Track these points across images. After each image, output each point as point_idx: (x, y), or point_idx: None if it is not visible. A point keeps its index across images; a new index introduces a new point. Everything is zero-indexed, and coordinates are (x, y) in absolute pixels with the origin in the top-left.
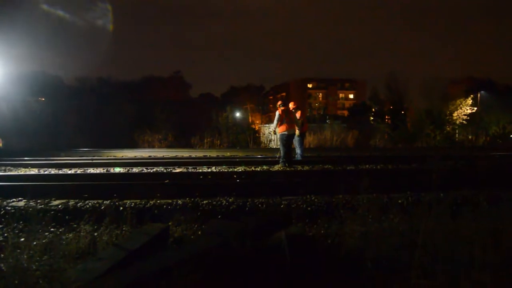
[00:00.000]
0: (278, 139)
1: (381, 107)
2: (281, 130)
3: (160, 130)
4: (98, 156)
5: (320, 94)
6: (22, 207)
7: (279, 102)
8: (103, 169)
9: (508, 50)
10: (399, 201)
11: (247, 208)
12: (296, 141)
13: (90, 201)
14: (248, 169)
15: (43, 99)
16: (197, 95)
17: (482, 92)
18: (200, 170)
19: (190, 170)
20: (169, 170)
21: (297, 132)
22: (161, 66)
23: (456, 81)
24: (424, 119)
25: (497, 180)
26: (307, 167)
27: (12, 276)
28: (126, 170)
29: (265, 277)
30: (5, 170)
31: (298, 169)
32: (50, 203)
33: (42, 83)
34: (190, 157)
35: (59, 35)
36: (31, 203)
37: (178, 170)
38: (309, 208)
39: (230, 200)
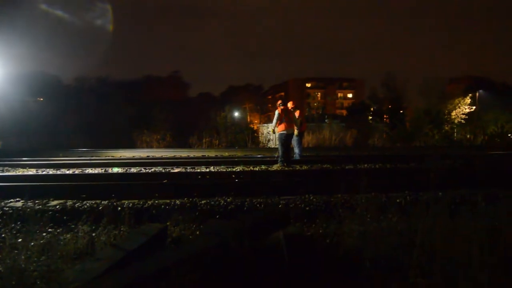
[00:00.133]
0: (276, 139)
1: (380, 106)
2: (280, 129)
3: (159, 130)
4: (96, 156)
5: (319, 93)
6: (20, 208)
7: (279, 101)
8: (101, 169)
9: (506, 49)
10: (398, 201)
11: (245, 208)
12: (294, 141)
13: (88, 201)
14: (247, 168)
15: (42, 99)
16: (195, 94)
17: (480, 91)
18: (199, 170)
19: (188, 170)
20: (168, 170)
21: (295, 131)
22: (159, 66)
23: (454, 80)
24: (422, 118)
25: (495, 179)
26: (305, 167)
27: (10, 277)
28: (124, 170)
29: (263, 277)
30: (3, 171)
31: (297, 168)
32: (48, 203)
33: (40, 83)
34: (188, 157)
35: (58, 35)
36: (29, 203)
37: (176, 170)
38: (307, 208)
39: (228, 200)
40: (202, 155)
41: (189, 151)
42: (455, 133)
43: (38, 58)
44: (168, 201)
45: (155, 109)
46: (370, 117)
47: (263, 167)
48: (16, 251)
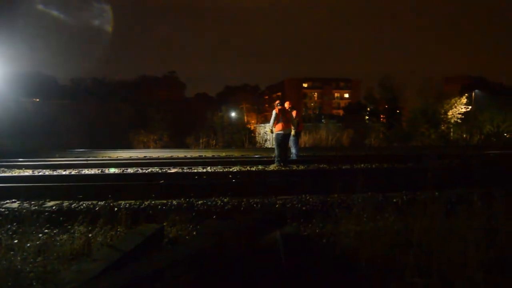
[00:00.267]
0: (273, 139)
1: (376, 106)
2: (277, 129)
3: (156, 131)
4: (92, 157)
5: (316, 93)
6: (15, 209)
7: (277, 101)
8: (98, 169)
9: (502, 49)
10: (394, 200)
11: (242, 208)
12: (291, 141)
13: (85, 202)
14: (244, 169)
15: (38, 99)
16: (192, 95)
17: (476, 91)
18: (195, 170)
19: (185, 171)
20: (164, 170)
21: (292, 131)
22: (155, 66)
23: (451, 80)
24: (419, 118)
25: (491, 179)
26: (302, 167)
27: (6, 278)
28: (121, 170)
29: (260, 277)
30: None
31: (294, 168)
32: (44, 204)
33: (36, 83)
34: (185, 157)
35: (54, 35)
36: (25, 204)
37: (173, 170)
38: (304, 208)
39: (225, 200)
40: (199, 156)
41: (186, 151)
42: (452, 133)
43: (34, 58)
44: (164, 201)
45: (152, 109)
46: (367, 117)
47: (260, 167)
48: (12, 252)
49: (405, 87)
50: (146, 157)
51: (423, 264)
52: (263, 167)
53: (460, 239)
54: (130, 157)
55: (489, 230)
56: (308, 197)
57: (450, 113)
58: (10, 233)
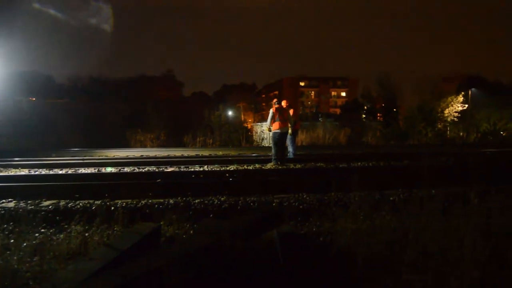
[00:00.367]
0: (270, 137)
1: (373, 104)
2: (274, 128)
3: (153, 129)
4: (89, 156)
5: (313, 92)
6: (12, 208)
7: (274, 100)
8: (95, 169)
9: (499, 47)
10: (391, 198)
11: (239, 207)
12: (288, 139)
13: (81, 201)
14: (241, 167)
15: (34, 98)
16: (189, 93)
17: (473, 89)
18: (192, 169)
19: (182, 169)
20: (161, 169)
21: (289, 130)
22: (153, 65)
23: (447, 79)
24: (415, 116)
25: (488, 177)
26: (299, 165)
27: (2, 277)
28: (118, 169)
29: (257, 275)
30: None
31: (290, 167)
32: (40, 203)
33: (33, 82)
34: (182, 156)
35: (51, 34)
36: (21, 204)
37: (170, 169)
38: (301, 206)
39: (222, 199)
40: (196, 154)
41: (183, 150)
42: (448, 131)
43: (31, 57)
44: (161, 200)
45: (149, 108)
46: (364, 116)
47: (257, 166)
48: (8, 252)
49: (402, 86)
50: (143, 156)
51: (419, 262)
52: (260, 166)
53: (457, 237)
54: (127, 156)
55: (486, 227)
56: (305, 196)
57: (446, 111)
58: (7, 232)
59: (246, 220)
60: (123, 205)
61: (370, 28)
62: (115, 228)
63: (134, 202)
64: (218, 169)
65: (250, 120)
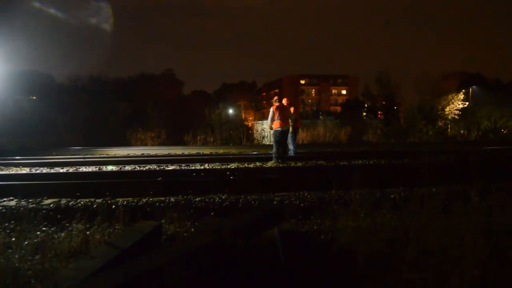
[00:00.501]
0: (271, 135)
1: (374, 102)
2: (275, 126)
3: (153, 128)
4: (90, 155)
5: (313, 90)
6: (13, 207)
7: (275, 98)
8: (96, 167)
9: (499, 46)
10: (392, 196)
11: (240, 205)
12: (289, 137)
13: (82, 199)
14: (241, 166)
15: (35, 97)
16: (189, 92)
17: (473, 87)
18: (193, 168)
19: (183, 168)
20: (162, 167)
21: (290, 128)
22: (153, 64)
23: (448, 76)
24: (416, 114)
25: (489, 175)
26: (300, 163)
27: (4, 276)
28: (119, 168)
29: (258, 273)
30: None
31: (291, 165)
32: (41, 202)
33: (33, 81)
34: (183, 155)
35: (52, 33)
36: (22, 202)
37: (171, 167)
38: (302, 204)
39: (223, 197)
40: (197, 153)
41: (184, 148)
42: (449, 129)
43: (31, 56)
44: (162, 198)
45: (149, 107)
46: (364, 114)
47: (257, 164)
48: (10, 250)
49: (403, 84)
50: (144, 155)
51: (420, 260)
52: (261, 164)
53: (457, 235)
54: (128, 154)
55: (487, 225)
56: (306, 194)
57: (447, 109)
58: (8, 231)
59: (247, 218)
60: (124, 203)
61: (370, 26)
62: (116, 227)
63: (135, 201)
64: (219, 167)
65: (250, 118)
